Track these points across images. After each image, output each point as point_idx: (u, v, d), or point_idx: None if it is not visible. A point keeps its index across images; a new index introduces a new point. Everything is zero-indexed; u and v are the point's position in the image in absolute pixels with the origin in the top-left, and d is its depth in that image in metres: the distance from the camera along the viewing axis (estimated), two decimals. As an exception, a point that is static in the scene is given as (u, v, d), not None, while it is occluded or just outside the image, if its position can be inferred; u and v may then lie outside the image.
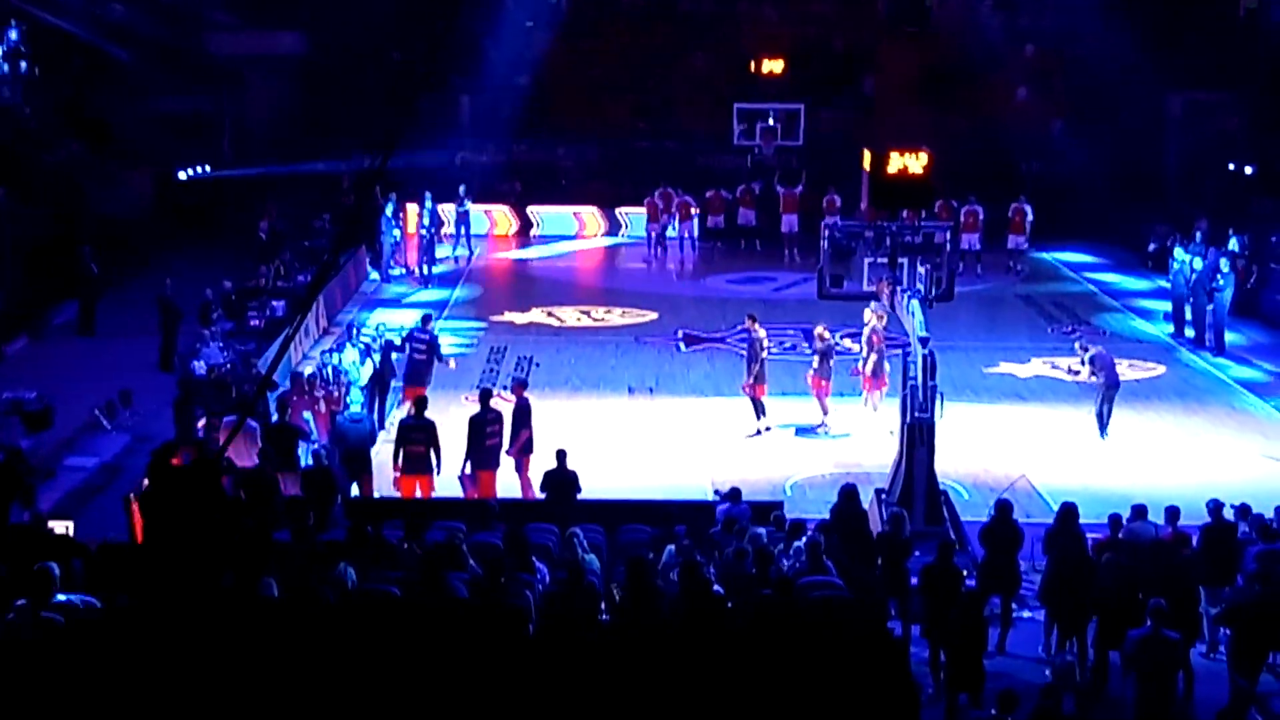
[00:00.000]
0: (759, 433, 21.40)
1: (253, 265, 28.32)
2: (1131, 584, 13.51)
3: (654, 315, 29.05)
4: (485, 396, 18.30)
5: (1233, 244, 28.46)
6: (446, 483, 17.66)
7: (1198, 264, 27.18)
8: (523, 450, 18.14)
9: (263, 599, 11.50)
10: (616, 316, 29.17)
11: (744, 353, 22.02)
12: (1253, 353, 26.58)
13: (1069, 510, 14.82)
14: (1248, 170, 34.79)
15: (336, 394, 19.81)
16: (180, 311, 24.66)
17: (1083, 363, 21.53)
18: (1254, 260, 29.99)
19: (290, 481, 16.53)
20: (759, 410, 21.49)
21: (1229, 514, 15.08)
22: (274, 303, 25.91)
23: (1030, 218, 33.72)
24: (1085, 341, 22.84)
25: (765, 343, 21.67)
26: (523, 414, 18.33)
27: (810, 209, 34.11)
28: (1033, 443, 21.27)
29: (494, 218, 37.87)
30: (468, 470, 17.64)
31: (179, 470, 15.68)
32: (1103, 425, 21.16)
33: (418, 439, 17.51)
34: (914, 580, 14.32)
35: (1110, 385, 21.20)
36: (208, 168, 37.08)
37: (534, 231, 38.18)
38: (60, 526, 14.70)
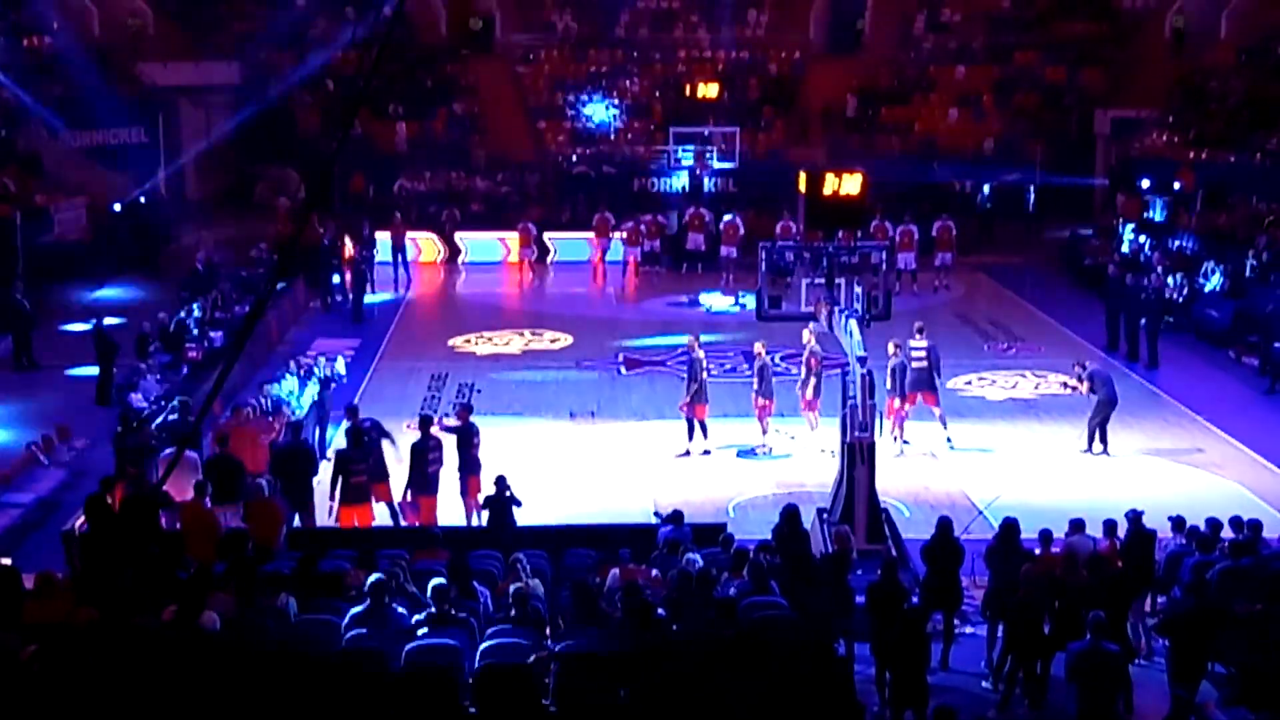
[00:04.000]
0: (705, 453, 21.51)
1: (190, 296, 28.09)
2: (1047, 597, 13.68)
3: (570, 339, 29.15)
4: (425, 424, 18.28)
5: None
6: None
7: (1129, 278, 27.56)
8: (469, 473, 18.16)
9: (203, 632, 11.41)
10: (556, 341, 29.18)
11: (684, 374, 22.12)
12: (1185, 366, 26.96)
13: (1011, 526, 14.98)
14: (1176, 185, 35.34)
15: (276, 424, 19.68)
16: (116, 344, 24.43)
17: (1080, 379, 21.76)
18: (1185, 274, 30.47)
19: (232, 514, 16.41)
20: (703, 430, 21.59)
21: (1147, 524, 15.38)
22: (212, 334, 25.71)
23: (955, 233, 34.13)
24: (1084, 359, 22.86)
25: (705, 363, 21.79)
26: (467, 437, 18.37)
27: (751, 236, 34.03)
28: (971, 459, 21.47)
29: (420, 245, 37.50)
30: (408, 497, 17.62)
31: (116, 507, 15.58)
32: (1093, 439, 21.39)
33: (357, 470, 17.49)
34: (858, 598, 14.41)
35: (1108, 401, 21.37)
36: (142, 199, 36.79)
37: (461, 259, 37.95)
38: (-3, 564, 14.52)
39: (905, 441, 21.58)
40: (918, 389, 21.82)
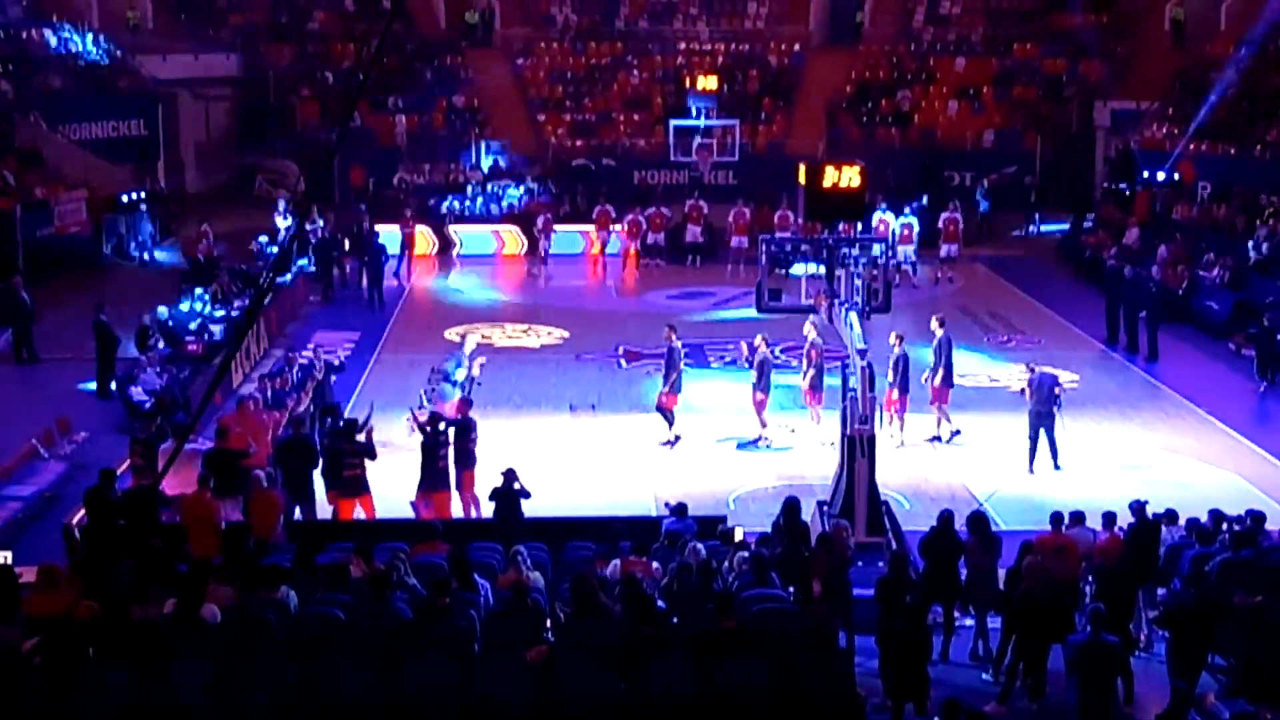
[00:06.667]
0: (666, 443, 21.58)
1: (189, 289, 28.08)
2: (1053, 589, 13.70)
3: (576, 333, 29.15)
4: (435, 420, 18.23)
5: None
6: (399, 505, 17.66)
7: (1128, 270, 27.55)
8: (464, 467, 18.14)
9: (204, 624, 11.43)
10: (556, 335, 29.16)
11: (681, 365, 22.08)
12: (1184, 358, 26.95)
13: (980, 518, 15.10)
14: (1175, 177, 35.34)
15: (280, 417, 19.68)
16: (117, 337, 24.43)
17: (1029, 384, 21.04)
18: (1185, 266, 30.47)
19: (232, 507, 16.40)
20: (669, 419, 21.68)
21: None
22: (211, 327, 25.70)
23: (962, 226, 34.17)
24: (1034, 364, 22.27)
25: (683, 353, 21.78)
26: (465, 431, 18.36)
27: (753, 229, 33.86)
28: (971, 451, 21.47)
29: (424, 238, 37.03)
30: (420, 495, 17.60)
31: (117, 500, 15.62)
32: (1033, 456, 20.48)
33: (353, 462, 17.48)
34: (856, 591, 14.41)
35: (1035, 414, 20.48)
36: (142, 191, 36.78)
37: (455, 251, 37.39)
38: (-2, 557, 14.53)
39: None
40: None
